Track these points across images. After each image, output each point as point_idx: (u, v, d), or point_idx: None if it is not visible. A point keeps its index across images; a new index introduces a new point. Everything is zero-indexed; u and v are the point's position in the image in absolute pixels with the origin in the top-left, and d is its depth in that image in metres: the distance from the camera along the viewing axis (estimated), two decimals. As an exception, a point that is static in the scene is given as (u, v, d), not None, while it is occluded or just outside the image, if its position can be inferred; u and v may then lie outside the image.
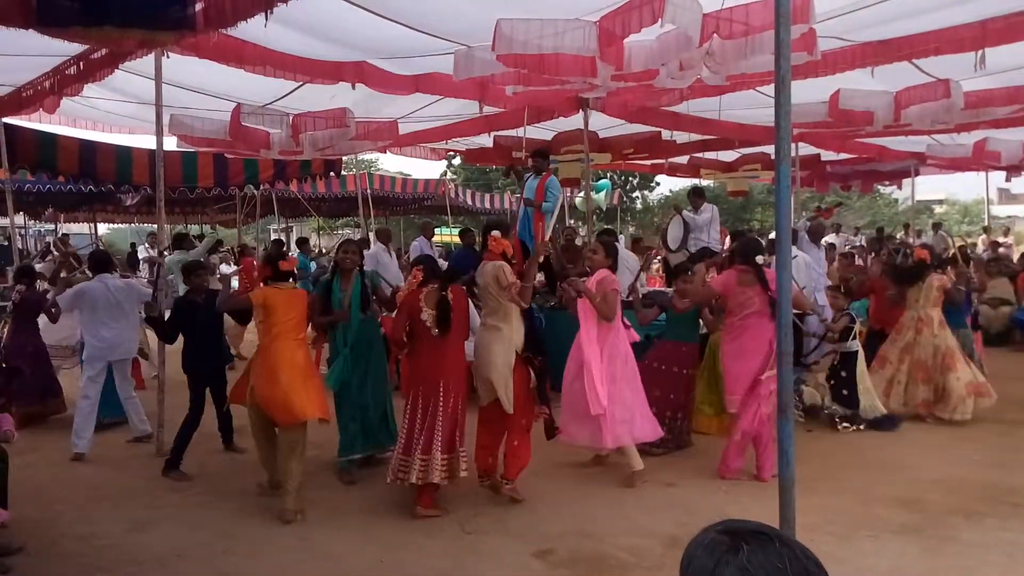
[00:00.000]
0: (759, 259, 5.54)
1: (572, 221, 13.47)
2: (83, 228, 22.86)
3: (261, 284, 5.29)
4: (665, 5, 4.47)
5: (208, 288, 6.23)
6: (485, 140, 10.51)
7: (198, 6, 4.20)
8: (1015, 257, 15.53)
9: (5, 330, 7.40)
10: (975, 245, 17.16)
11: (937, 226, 20.21)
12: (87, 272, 7.70)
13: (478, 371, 5.15)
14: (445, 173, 33.56)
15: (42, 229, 24.22)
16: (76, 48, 5.77)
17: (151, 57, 5.81)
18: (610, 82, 5.96)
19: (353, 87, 6.75)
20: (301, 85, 7.00)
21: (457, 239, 14.13)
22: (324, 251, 15.85)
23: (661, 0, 4.49)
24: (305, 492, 5.01)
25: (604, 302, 5.29)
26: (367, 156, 22.75)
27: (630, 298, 6.34)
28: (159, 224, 6.86)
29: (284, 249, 13.88)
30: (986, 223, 19.19)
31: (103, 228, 24.62)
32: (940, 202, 50.01)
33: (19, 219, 16.14)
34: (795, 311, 5.18)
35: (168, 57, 5.87)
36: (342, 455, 5.72)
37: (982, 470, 5.61)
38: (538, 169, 8.67)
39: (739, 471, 5.49)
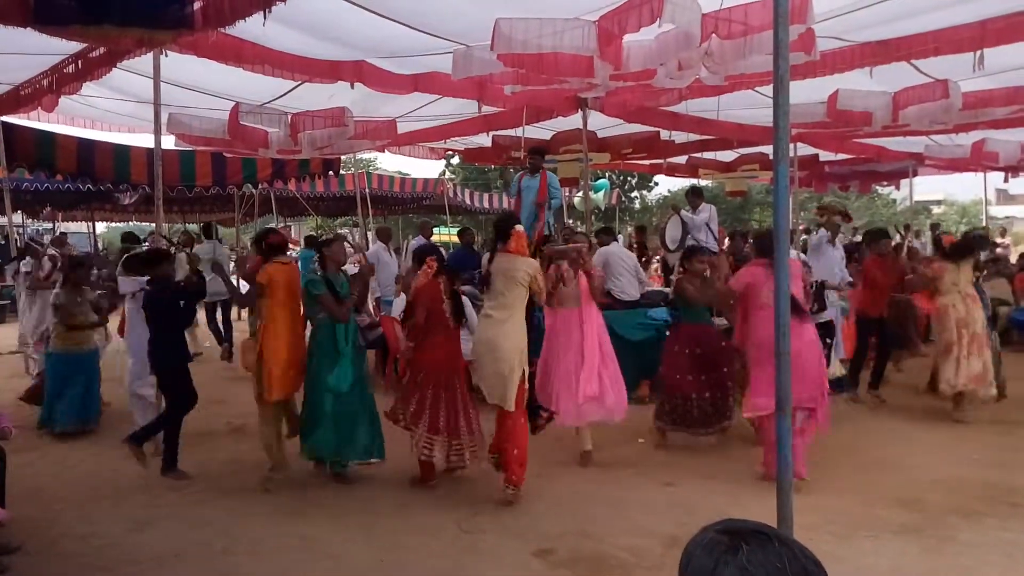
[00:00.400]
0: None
1: (571, 221, 13.47)
2: (81, 227, 22.83)
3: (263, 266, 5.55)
4: (664, 5, 4.47)
5: (174, 280, 6.14)
6: (484, 140, 10.49)
7: (196, 5, 4.19)
8: (1013, 258, 15.54)
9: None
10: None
11: (935, 227, 20.22)
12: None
13: (488, 365, 5.08)
14: (443, 172, 33.54)
15: (40, 228, 24.17)
16: (74, 46, 5.76)
17: (149, 56, 5.80)
18: (609, 82, 5.95)
19: (352, 86, 6.74)
20: (299, 84, 6.98)
21: (455, 238, 14.13)
22: None
23: (660, 0, 4.49)
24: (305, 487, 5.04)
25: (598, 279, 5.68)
26: (366, 155, 22.78)
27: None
28: (157, 223, 6.85)
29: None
30: (984, 224, 19.20)
31: (101, 227, 24.60)
32: (938, 203, 50.13)
33: (17, 218, 16.14)
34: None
35: (166, 56, 5.86)
36: (312, 454, 5.60)
37: (982, 470, 5.62)
38: (534, 167, 8.67)
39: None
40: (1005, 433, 6.63)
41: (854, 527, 4.58)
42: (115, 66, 5.89)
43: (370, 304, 10.52)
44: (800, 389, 5.21)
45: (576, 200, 13.86)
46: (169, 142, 8.01)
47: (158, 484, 5.61)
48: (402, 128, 8.92)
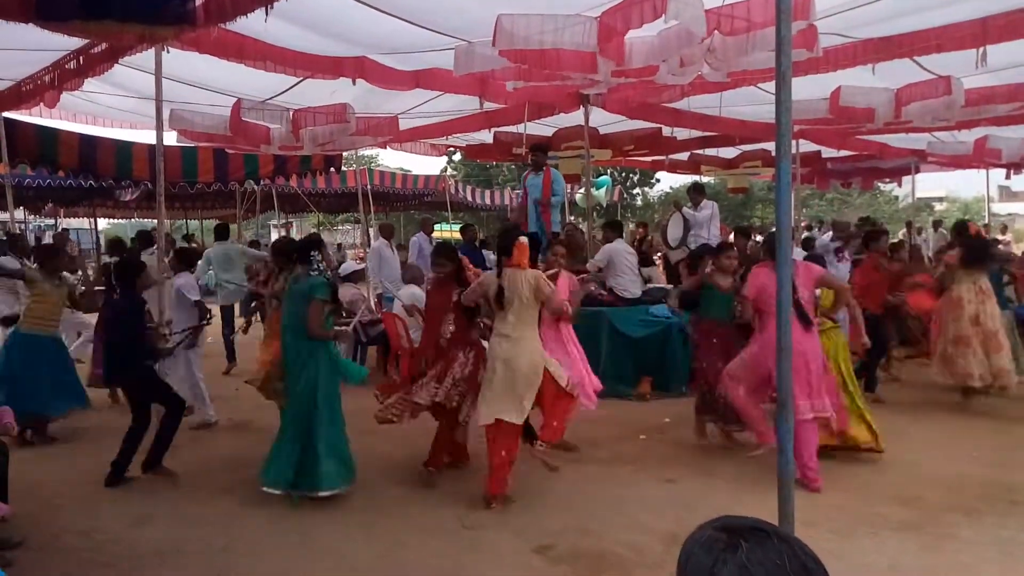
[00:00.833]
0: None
1: (572, 217, 13.47)
2: (83, 223, 22.86)
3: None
4: (667, 1, 4.47)
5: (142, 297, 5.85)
6: (486, 136, 10.49)
7: (198, 1, 4.20)
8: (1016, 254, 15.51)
9: None
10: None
11: (937, 223, 20.20)
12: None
13: (504, 384, 4.96)
14: (445, 169, 33.58)
15: (42, 224, 24.21)
16: (76, 42, 5.77)
17: (151, 52, 5.79)
18: (611, 78, 5.95)
19: (354, 82, 6.74)
20: (301, 80, 6.98)
21: (457, 235, 14.13)
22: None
23: (663, -4, 4.49)
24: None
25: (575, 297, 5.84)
26: (367, 152, 22.73)
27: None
28: (159, 219, 6.85)
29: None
30: (986, 220, 19.18)
31: (103, 223, 24.62)
32: (941, 199, 50.06)
33: (19, 214, 16.15)
34: None
35: (168, 52, 5.85)
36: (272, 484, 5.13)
37: (981, 468, 5.61)
38: (537, 165, 8.67)
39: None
40: (1004, 431, 6.63)
41: (854, 524, 4.58)
42: (117, 62, 5.91)
43: (372, 301, 10.54)
44: (817, 398, 5.22)
45: (578, 197, 13.85)
46: (171, 138, 8.02)
47: (159, 480, 5.62)
48: (404, 124, 8.92)
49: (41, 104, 7.56)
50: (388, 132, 8.67)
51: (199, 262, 10.25)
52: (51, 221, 21.91)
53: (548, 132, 9.95)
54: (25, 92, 7.05)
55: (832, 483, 5.25)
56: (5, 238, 9.59)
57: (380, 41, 6.23)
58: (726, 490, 5.21)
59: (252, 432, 6.83)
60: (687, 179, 16.22)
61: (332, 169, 10.72)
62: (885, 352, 8.01)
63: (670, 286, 9.71)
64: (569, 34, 5.01)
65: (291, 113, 7.81)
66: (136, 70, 6.45)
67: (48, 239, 16.02)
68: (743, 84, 6.95)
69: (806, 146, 11.53)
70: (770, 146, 10.90)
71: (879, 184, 21.15)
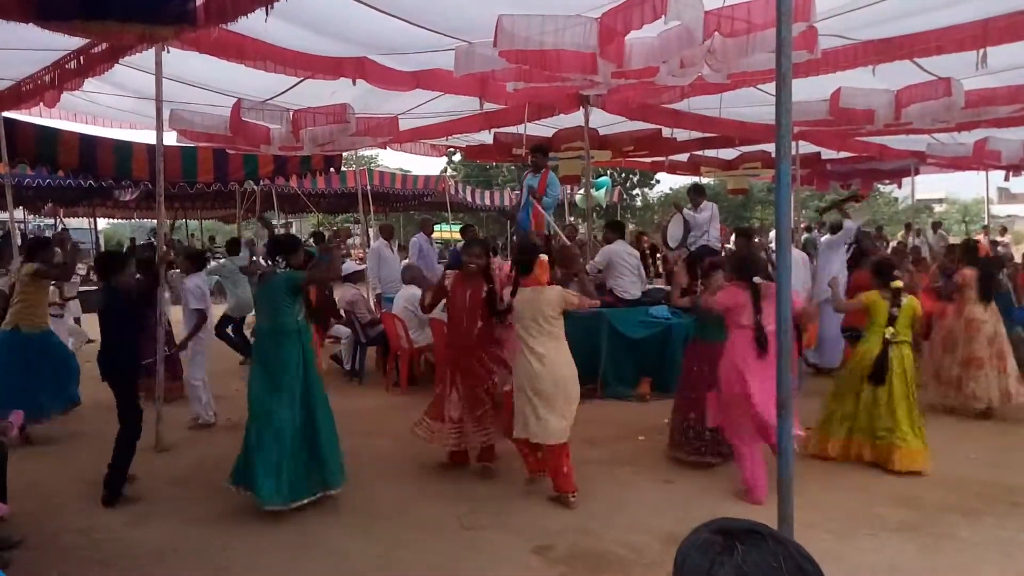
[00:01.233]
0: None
1: (572, 218, 13.47)
2: (83, 223, 22.86)
3: None
4: (667, 2, 4.47)
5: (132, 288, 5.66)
6: (485, 137, 10.49)
7: (198, 1, 4.20)
8: (1017, 257, 15.52)
9: None
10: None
11: (937, 225, 20.22)
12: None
13: (546, 399, 4.92)
14: (445, 169, 33.59)
15: (41, 224, 24.21)
16: (76, 42, 5.77)
17: (151, 52, 5.79)
18: (611, 79, 5.95)
19: (354, 83, 6.74)
20: (302, 81, 6.98)
21: (457, 235, 14.14)
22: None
23: (663, -4, 4.49)
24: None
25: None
26: (367, 152, 22.75)
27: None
28: (159, 219, 6.86)
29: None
30: (986, 222, 19.20)
31: (103, 223, 24.63)
32: (940, 201, 50.11)
33: (19, 213, 16.15)
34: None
35: (168, 52, 5.86)
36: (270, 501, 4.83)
37: (980, 469, 5.62)
38: (536, 166, 8.67)
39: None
40: (1002, 432, 6.63)
41: (853, 525, 4.59)
42: (117, 62, 5.90)
43: (371, 301, 10.54)
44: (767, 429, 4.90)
45: (577, 198, 13.86)
46: (171, 138, 8.02)
47: (158, 479, 5.62)
48: (404, 125, 8.92)
49: (41, 104, 7.55)
50: (388, 132, 8.66)
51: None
52: (51, 221, 21.90)
53: (548, 133, 9.95)
54: (25, 92, 7.05)
55: (831, 484, 5.25)
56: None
57: (380, 41, 6.23)
58: (725, 491, 5.21)
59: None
60: (687, 180, 16.22)
61: (332, 169, 10.71)
62: None
63: (667, 287, 9.71)
64: (569, 35, 5.00)
65: (291, 113, 7.81)
66: (136, 70, 6.44)
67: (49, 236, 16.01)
68: (743, 85, 6.95)
69: (806, 147, 11.53)
70: (770, 147, 10.89)
71: (879, 186, 21.15)
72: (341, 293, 9.66)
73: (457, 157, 29.42)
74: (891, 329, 5.65)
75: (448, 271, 5.95)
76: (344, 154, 11.79)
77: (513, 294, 5.12)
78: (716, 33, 4.90)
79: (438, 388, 5.72)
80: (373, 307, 10.36)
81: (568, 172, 10.55)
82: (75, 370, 7.03)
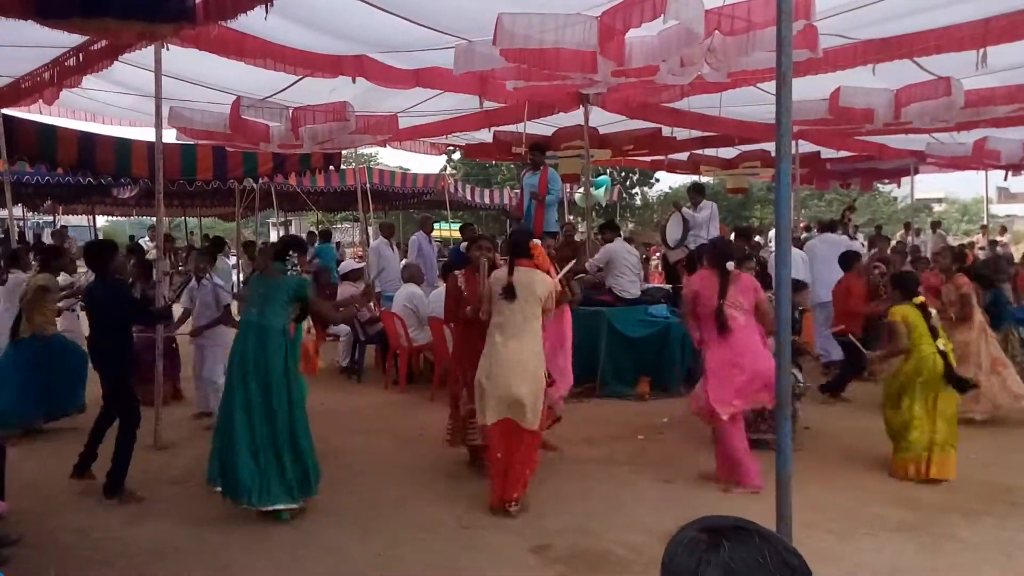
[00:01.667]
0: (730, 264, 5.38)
1: (571, 217, 13.47)
2: (82, 220, 22.82)
3: None
4: (667, 1, 4.46)
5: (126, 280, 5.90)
6: (485, 135, 10.49)
7: (198, -2, 4.19)
8: (1016, 256, 15.53)
9: None
10: (972, 244, 17.18)
11: (936, 225, 20.21)
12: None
13: (511, 383, 4.85)
14: (445, 168, 33.52)
15: (40, 221, 24.18)
16: (76, 39, 5.75)
17: (151, 49, 5.78)
18: (611, 78, 5.95)
19: (353, 81, 6.74)
20: (301, 78, 6.97)
21: (456, 234, 14.13)
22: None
23: (663, -5, 4.48)
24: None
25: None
26: (367, 150, 22.72)
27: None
28: (158, 217, 6.85)
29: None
30: (985, 222, 19.20)
31: (102, 220, 24.58)
32: (939, 200, 50.09)
33: (17, 211, 16.13)
34: None
35: (168, 49, 5.85)
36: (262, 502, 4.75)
37: (979, 469, 5.61)
38: (535, 164, 8.67)
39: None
40: (1002, 433, 6.63)
41: (852, 525, 4.59)
42: (116, 59, 5.89)
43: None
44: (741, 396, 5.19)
45: (577, 196, 13.85)
46: (170, 136, 8.01)
47: (156, 477, 5.61)
48: (403, 123, 8.91)
49: (40, 101, 7.54)
50: (388, 130, 8.66)
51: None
52: (49, 218, 21.87)
53: (548, 131, 9.95)
54: (24, 89, 7.04)
55: (830, 484, 5.25)
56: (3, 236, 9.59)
57: (380, 39, 6.22)
58: (722, 490, 5.21)
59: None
60: (686, 179, 16.22)
61: (331, 167, 10.69)
62: (861, 371, 7.90)
63: (668, 286, 9.71)
64: (569, 33, 5.00)
65: (290, 111, 7.80)
66: (136, 67, 6.43)
67: (47, 236, 16.02)
68: (743, 84, 6.94)
69: (805, 147, 11.53)
70: (769, 146, 10.88)
71: (878, 185, 21.15)
72: (341, 291, 9.66)
73: (457, 155, 29.38)
74: (942, 341, 5.49)
75: (456, 272, 5.86)
76: (343, 152, 11.76)
77: (510, 274, 4.99)
78: (716, 32, 4.90)
79: (453, 388, 5.69)
80: (372, 305, 10.35)
81: (568, 171, 10.56)
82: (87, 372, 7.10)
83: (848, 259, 8.11)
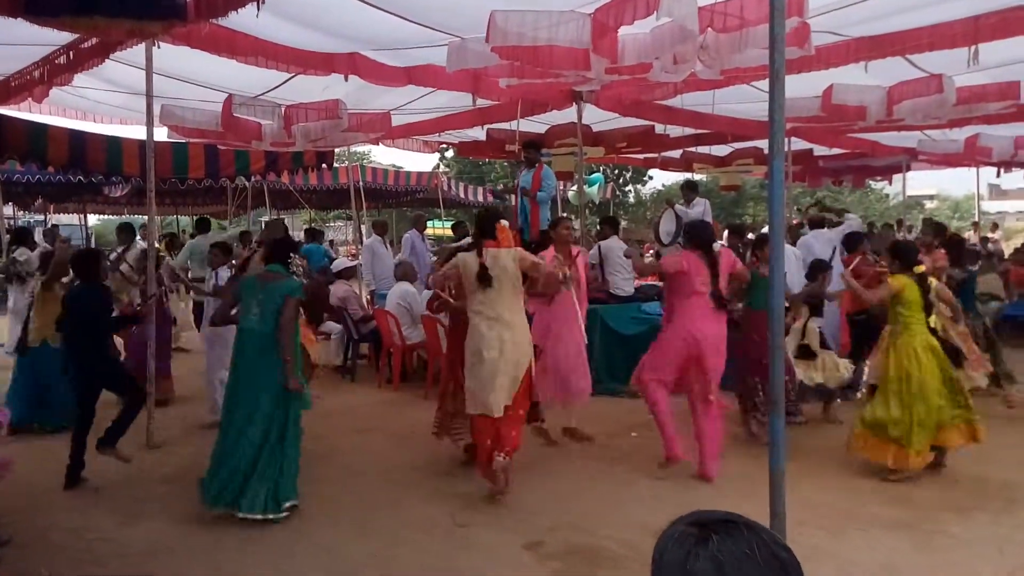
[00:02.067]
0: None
1: (565, 214, 13.46)
2: (73, 219, 22.73)
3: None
4: (660, -2, 4.46)
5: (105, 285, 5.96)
6: (478, 133, 10.47)
7: (189, -5, 4.16)
8: (1005, 253, 15.59)
9: None
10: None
11: (928, 221, 20.24)
12: None
13: (498, 367, 4.90)
14: (438, 166, 33.49)
15: (31, 220, 24.07)
16: (66, 37, 5.71)
17: (142, 47, 5.76)
18: (604, 75, 5.94)
19: (346, 78, 6.70)
20: (293, 76, 6.95)
21: (449, 232, 14.11)
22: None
23: (656, -8, 4.48)
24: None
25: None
26: (359, 148, 22.72)
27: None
28: (149, 215, 6.82)
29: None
30: (976, 219, 19.26)
31: (93, 219, 24.52)
32: (931, 197, 50.26)
33: (8, 209, 16.06)
34: None
35: (159, 47, 5.81)
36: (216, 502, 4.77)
37: (973, 465, 5.63)
38: (530, 161, 8.66)
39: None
40: (996, 429, 6.63)
41: (846, 522, 4.60)
42: (107, 57, 5.86)
43: (364, 298, 10.51)
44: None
45: (570, 194, 13.85)
46: (162, 134, 7.97)
47: (150, 477, 5.60)
48: (396, 121, 8.89)
49: (30, 99, 7.50)
50: (380, 128, 8.63)
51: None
52: (40, 217, 21.77)
53: (541, 129, 9.94)
54: (14, 87, 6.99)
55: (824, 481, 5.27)
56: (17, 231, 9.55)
57: (372, 37, 6.20)
58: (717, 487, 5.23)
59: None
60: (679, 177, 16.24)
61: (324, 165, 10.64)
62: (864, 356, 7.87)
63: (661, 284, 9.70)
64: (562, 31, 4.99)
65: (283, 109, 7.77)
66: (127, 65, 6.40)
67: (39, 235, 15.94)
68: (736, 82, 6.94)
69: (798, 144, 11.55)
70: (762, 144, 10.91)
71: (870, 182, 21.19)
72: (334, 289, 9.64)
73: (450, 153, 29.34)
74: (934, 318, 5.42)
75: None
76: (336, 150, 11.73)
77: (480, 256, 5.04)
78: (709, 29, 4.90)
79: (444, 387, 5.74)
80: (366, 303, 10.34)
81: (561, 168, 10.54)
82: None
83: (852, 241, 7.93)
